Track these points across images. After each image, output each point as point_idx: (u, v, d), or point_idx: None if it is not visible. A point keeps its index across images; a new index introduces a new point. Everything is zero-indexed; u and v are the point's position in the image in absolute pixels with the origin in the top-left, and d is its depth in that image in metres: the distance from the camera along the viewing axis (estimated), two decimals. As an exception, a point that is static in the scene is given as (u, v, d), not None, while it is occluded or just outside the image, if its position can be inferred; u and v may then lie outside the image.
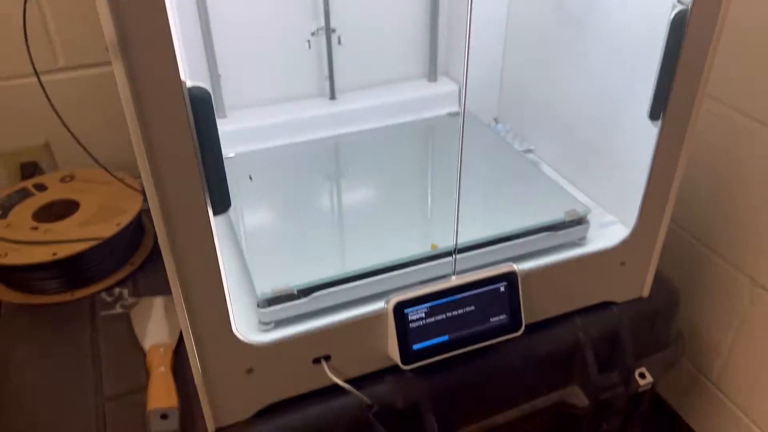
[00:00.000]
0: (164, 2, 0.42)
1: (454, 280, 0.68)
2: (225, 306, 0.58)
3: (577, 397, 0.81)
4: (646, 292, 0.82)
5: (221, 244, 0.54)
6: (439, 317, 0.68)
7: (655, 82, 0.63)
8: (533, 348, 0.76)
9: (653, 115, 0.65)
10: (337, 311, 0.67)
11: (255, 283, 0.65)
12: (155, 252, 0.90)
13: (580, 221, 0.76)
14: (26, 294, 0.82)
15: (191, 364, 0.60)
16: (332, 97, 0.98)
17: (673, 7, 0.60)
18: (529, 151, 0.98)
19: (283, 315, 0.66)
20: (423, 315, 0.67)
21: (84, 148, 0.87)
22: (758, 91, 0.90)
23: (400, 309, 0.66)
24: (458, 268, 0.70)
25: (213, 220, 0.53)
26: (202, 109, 0.47)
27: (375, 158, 0.90)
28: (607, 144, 0.81)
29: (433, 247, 0.71)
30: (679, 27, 0.60)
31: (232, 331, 0.60)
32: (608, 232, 0.80)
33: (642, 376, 0.83)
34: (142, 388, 0.69)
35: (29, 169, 1.09)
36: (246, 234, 0.73)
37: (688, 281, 1.10)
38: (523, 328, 0.71)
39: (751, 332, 1.00)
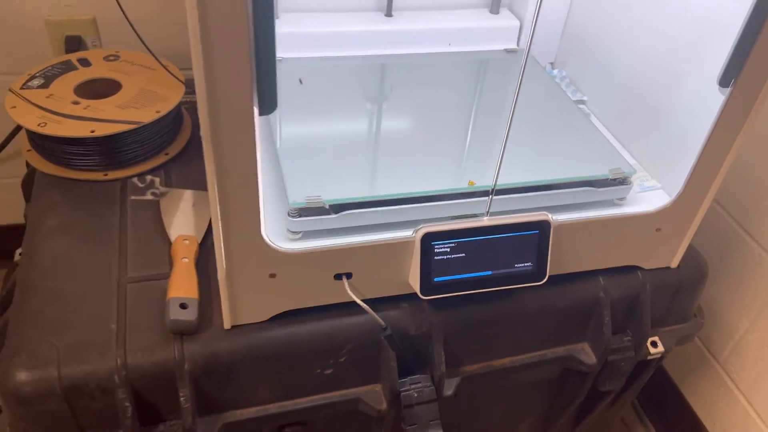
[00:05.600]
0: None
1: (486, 221, 0.67)
2: (257, 208, 0.58)
3: (586, 354, 0.81)
4: (675, 263, 0.80)
5: (259, 148, 0.53)
6: (465, 255, 0.67)
7: (733, 45, 0.59)
8: (552, 299, 0.76)
9: (723, 81, 0.61)
10: (365, 232, 0.67)
11: (288, 192, 0.65)
12: (191, 145, 0.90)
13: (623, 181, 0.74)
14: (60, 167, 0.83)
15: (217, 260, 0.60)
16: (388, 13, 0.95)
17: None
18: (581, 102, 0.94)
19: (312, 227, 0.66)
20: (449, 249, 0.67)
21: (132, 27, 0.86)
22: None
23: (427, 240, 0.65)
24: (492, 210, 0.69)
25: (257, 119, 0.52)
26: (263, 2, 0.45)
27: (423, 84, 0.88)
28: (664, 106, 0.78)
29: (470, 184, 0.70)
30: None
31: (260, 234, 0.60)
32: (648, 196, 0.78)
33: (654, 344, 0.83)
34: (164, 276, 0.70)
35: (73, 43, 1.08)
36: (284, 142, 0.73)
37: (716, 257, 1.08)
38: (546, 278, 0.71)
39: (770, 320, 0.99)
